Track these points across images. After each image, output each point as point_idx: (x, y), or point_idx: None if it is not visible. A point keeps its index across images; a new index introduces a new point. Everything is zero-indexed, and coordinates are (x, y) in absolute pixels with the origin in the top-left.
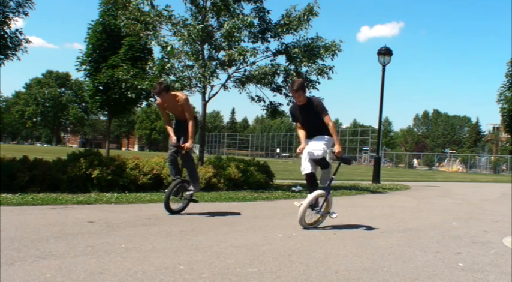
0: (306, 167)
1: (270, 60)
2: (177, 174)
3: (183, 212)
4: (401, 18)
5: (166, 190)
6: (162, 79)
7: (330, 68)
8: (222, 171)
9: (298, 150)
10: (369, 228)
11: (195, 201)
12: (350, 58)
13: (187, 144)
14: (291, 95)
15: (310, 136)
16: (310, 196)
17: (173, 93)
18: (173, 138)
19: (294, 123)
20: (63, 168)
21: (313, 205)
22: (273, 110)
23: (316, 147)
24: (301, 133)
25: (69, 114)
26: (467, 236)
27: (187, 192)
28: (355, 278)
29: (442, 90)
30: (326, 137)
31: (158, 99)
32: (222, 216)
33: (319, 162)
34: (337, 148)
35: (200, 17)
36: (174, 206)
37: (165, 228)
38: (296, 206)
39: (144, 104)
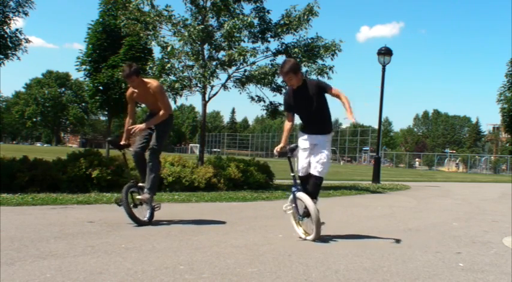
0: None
1: (270, 60)
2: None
3: (181, 212)
4: (401, 18)
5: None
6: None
7: (330, 68)
8: (222, 171)
9: (276, 150)
10: (369, 228)
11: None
12: (350, 58)
13: (140, 125)
14: None
15: (310, 130)
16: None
17: (145, 79)
18: (123, 137)
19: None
20: (63, 168)
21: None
22: (273, 110)
23: (323, 160)
24: (287, 129)
25: (69, 114)
26: (467, 236)
27: (141, 196)
28: (355, 278)
29: (442, 90)
30: (328, 136)
31: (129, 90)
32: (222, 216)
33: (315, 182)
34: (349, 116)
35: (200, 17)
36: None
37: (165, 228)
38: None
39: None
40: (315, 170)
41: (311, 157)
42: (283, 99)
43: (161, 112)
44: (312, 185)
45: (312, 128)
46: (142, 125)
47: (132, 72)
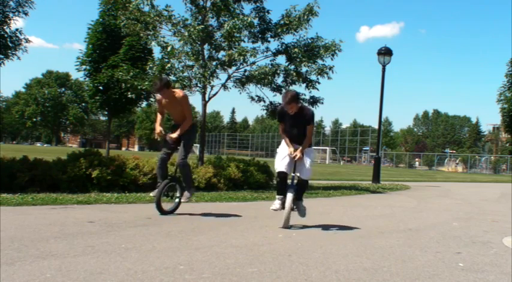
0: (281, 166)
1: (270, 60)
2: (163, 178)
3: (182, 212)
4: (401, 18)
5: (155, 191)
6: (163, 75)
7: (330, 68)
8: (222, 171)
9: (292, 156)
10: (369, 228)
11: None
12: (350, 58)
13: (173, 135)
14: None
15: (292, 140)
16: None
17: (173, 90)
18: (157, 129)
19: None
20: (63, 168)
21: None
22: (273, 110)
23: (307, 166)
24: (286, 136)
25: (69, 114)
26: (467, 236)
27: (183, 197)
28: (355, 278)
29: (442, 90)
30: (311, 149)
31: (158, 96)
32: (222, 216)
33: (303, 182)
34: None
35: (200, 17)
36: (166, 206)
37: (165, 228)
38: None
39: (144, 104)
40: (302, 175)
41: (296, 163)
42: (277, 111)
43: (186, 120)
44: (299, 185)
45: (296, 142)
46: (175, 135)
47: (163, 86)
